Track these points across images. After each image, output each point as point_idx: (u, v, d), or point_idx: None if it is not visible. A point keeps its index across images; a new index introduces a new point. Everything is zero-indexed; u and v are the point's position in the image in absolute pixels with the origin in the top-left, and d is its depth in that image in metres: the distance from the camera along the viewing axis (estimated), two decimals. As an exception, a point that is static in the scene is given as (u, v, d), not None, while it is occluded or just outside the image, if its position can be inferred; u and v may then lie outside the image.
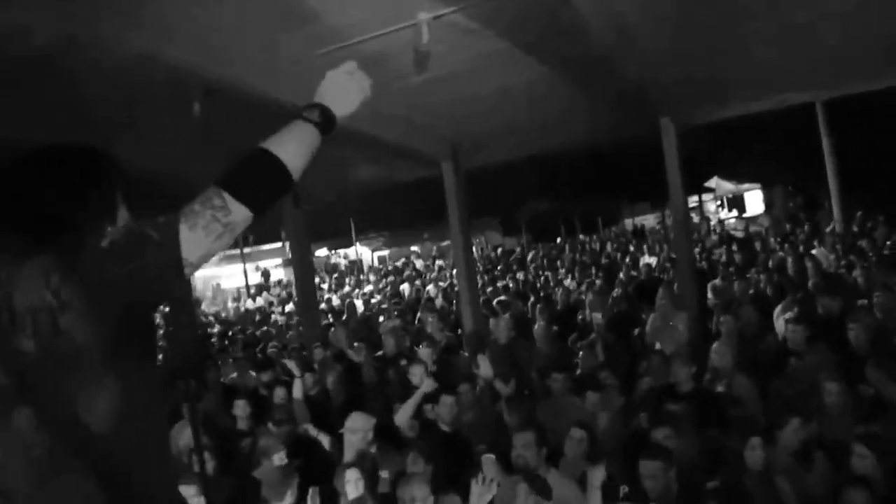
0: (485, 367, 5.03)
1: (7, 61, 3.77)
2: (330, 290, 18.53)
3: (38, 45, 4.08)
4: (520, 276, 12.52)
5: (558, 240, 24.02)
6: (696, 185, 23.77)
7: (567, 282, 9.97)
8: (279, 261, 25.38)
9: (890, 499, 3.01)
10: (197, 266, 1.33)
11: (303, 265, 8.44)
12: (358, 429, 4.31)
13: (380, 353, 6.58)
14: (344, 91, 1.50)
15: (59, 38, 3.76)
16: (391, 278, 17.48)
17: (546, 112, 6.43)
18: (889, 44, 5.58)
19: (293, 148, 1.39)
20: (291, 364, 5.41)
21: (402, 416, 4.46)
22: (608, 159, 17.32)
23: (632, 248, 16.27)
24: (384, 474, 4.15)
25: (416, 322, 8.54)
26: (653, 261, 12.47)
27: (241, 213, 1.32)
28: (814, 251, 11.35)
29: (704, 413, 4.31)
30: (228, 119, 5.83)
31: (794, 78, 6.36)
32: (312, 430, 4.55)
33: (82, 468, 1.23)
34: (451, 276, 15.93)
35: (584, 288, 8.75)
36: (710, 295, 7.74)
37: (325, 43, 4.82)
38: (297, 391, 5.17)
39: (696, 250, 13.35)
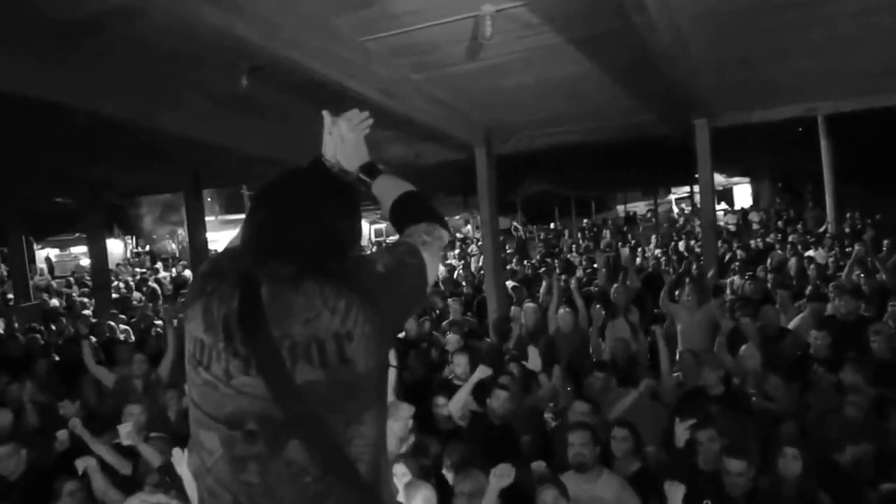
0: (534, 360, 5.03)
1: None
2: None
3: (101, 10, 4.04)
4: (525, 261, 12.65)
5: (552, 224, 24.28)
6: (690, 177, 24.04)
7: (578, 272, 10.10)
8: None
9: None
10: (431, 286, 1.52)
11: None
12: (399, 417, 4.33)
13: (401, 335, 6.62)
14: (357, 146, 1.67)
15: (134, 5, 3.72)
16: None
17: (583, 105, 6.46)
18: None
19: (406, 184, 1.66)
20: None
21: (456, 403, 4.45)
22: (607, 148, 17.27)
23: (630, 238, 16.47)
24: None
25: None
26: (658, 252, 12.64)
27: (446, 236, 1.58)
28: (811, 252, 11.59)
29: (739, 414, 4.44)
30: (270, 94, 5.80)
31: (826, 88, 6.46)
32: None
33: (344, 493, 1.26)
34: (452, 255, 16.02)
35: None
36: (728, 291, 7.92)
37: (382, 28, 4.82)
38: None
39: (692, 242, 13.60)
